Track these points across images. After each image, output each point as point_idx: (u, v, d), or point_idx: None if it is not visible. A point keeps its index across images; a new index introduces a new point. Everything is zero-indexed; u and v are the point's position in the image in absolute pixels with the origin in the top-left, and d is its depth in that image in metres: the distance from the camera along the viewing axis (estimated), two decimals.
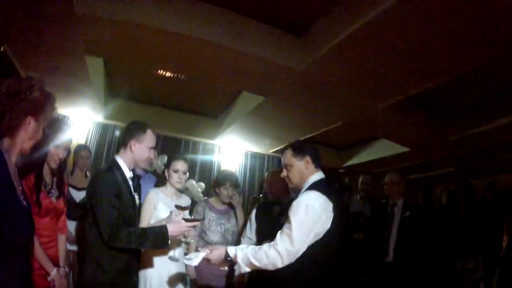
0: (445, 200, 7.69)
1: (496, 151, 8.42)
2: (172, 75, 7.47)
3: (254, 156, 11.14)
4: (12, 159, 2.16)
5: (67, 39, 5.61)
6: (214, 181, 5.47)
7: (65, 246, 3.77)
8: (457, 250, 6.74)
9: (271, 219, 4.56)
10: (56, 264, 3.37)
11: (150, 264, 4.22)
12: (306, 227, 2.99)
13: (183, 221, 3.51)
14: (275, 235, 3.20)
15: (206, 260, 3.24)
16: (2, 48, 6.09)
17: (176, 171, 4.44)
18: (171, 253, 4.27)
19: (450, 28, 4.34)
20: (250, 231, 4.81)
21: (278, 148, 10.27)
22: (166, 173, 4.53)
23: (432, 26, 4.35)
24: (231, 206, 5.34)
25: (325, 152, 10.38)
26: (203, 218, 4.26)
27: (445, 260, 6.69)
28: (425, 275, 5.70)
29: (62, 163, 3.60)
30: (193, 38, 5.23)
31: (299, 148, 3.43)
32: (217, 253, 3.21)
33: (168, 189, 4.52)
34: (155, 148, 3.89)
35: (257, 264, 3.00)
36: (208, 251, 3.25)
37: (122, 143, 3.58)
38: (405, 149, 8.93)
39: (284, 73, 5.80)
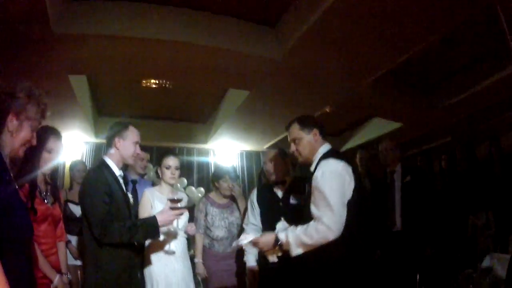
0: (444, 164, 7.68)
1: (489, 113, 8.33)
2: (156, 85, 7.47)
3: (250, 154, 11.16)
4: (6, 160, 2.21)
5: (48, 59, 5.61)
6: (213, 176, 5.52)
7: (65, 253, 3.80)
8: (465, 208, 6.70)
9: (276, 200, 4.55)
10: (58, 272, 3.37)
11: (153, 265, 4.24)
12: (338, 191, 3.07)
13: (169, 210, 3.55)
14: (287, 216, 3.55)
15: (254, 243, 3.34)
16: None
17: (168, 168, 4.45)
18: (166, 247, 4.25)
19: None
20: (254, 217, 4.72)
21: (272, 142, 10.29)
22: (158, 171, 4.55)
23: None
24: (232, 199, 5.38)
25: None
26: (192, 206, 4.20)
27: (454, 220, 6.65)
28: (437, 241, 5.59)
29: (55, 170, 3.64)
30: (171, 41, 5.27)
31: (305, 121, 3.51)
32: (266, 238, 3.29)
33: (163, 187, 4.53)
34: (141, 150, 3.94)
35: (309, 242, 3.02)
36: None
37: (107, 144, 3.67)
38: (398, 125, 8.92)
39: (263, 64, 5.83)
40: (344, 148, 10.68)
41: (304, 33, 4.97)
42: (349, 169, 3.19)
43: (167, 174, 4.46)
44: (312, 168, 3.37)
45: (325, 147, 3.45)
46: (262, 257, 4.18)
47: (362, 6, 4.50)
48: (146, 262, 4.27)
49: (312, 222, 3.06)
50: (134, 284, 3.49)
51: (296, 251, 3.10)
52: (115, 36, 5.10)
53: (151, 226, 3.40)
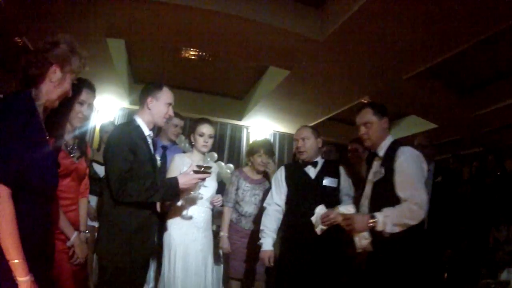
0: (474, 170, 7.50)
1: None
2: (196, 56, 7.44)
3: (282, 136, 11.05)
4: (40, 110, 2.23)
5: (86, 21, 5.60)
6: (248, 150, 5.32)
7: (86, 210, 3.61)
8: (488, 219, 6.53)
9: (308, 181, 4.33)
10: (76, 229, 3.22)
11: (173, 232, 4.14)
12: (422, 175, 3.32)
13: (192, 172, 3.43)
14: (321, 198, 3.68)
15: (345, 220, 3.30)
16: (21, 41, 6.13)
17: (201, 135, 4.24)
18: (184, 212, 4.13)
19: None
20: (279, 197, 4.42)
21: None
22: (192, 138, 4.35)
23: None
24: (266, 176, 5.22)
25: (351, 131, 10.09)
26: (209, 167, 3.99)
27: (477, 228, 6.49)
28: (458, 246, 5.58)
29: (85, 124, 3.42)
30: (215, 12, 5.21)
31: (379, 108, 3.60)
32: (361, 217, 3.26)
33: (194, 155, 4.33)
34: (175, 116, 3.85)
35: (406, 221, 3.10)
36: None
37: (139, 103, 3.56)
38: (433, 126, 8.77)
39: (306, 44, 5.73)
40: None
41: (352, 14, 4.84)
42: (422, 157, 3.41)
43: (200, 141, 4.25)
44: (381, 153, 3.48)
45: (391, 137, 3.56)
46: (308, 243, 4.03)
47: None
48: (166, 227, 4.18)
49: (405, 203, 3.15)
50: (148, 246, 3.40)
51: (393, 229, 3.12)
52: (158, 1, 5.03)
53: (172, 187, 3.30)
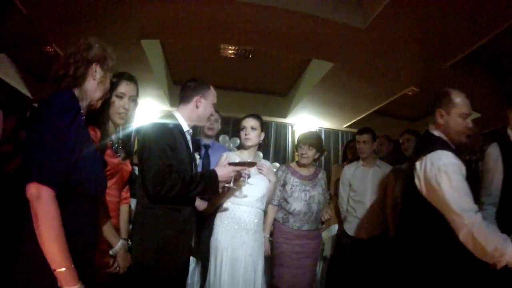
0: None
1: None
2: (235, 55, 7.36)
3: (328, 132, 10.89)
4: (84, 110, 2.21)
5: (120, 25, 5.57)
6: (296, 144, 5.10)
7: (127, 217, 3.41)
8: None
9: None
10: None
11: (220, 236, 3.96)
12: None
13: (229, 165, 3.34)
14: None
15: None
16: (52, 49, 6.12)
17: (242, 129, 4.14)
18: (237, 192, 3.95)
19: None
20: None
21: (352, 122, 10.03)
22: (240, 136, 4.26)
23: None
24: (317, 172, 4.99)
25: (397, 125, 10.02)
26: (252, 163, 3.81)
27: None
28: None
29: (129, 122, 3.25)
30: (253, 4, 5.05)
31: None
32: None
33: (243, 153, 4.18)
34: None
35: None
36: None
37: (183, 99, 3.45)
38: (477, 115, 8.35)
39: (348, 33, 5.55)
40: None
41: (387, 3, 4.67)
42: None
43: (241, 135, 4.14)
44: None
45: None
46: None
47: None
48: (213, 231, 4.02)
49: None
50: (186, 250, 3.28)
51: None
52: None
53: (211, 179, 3.21)
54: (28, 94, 8.33)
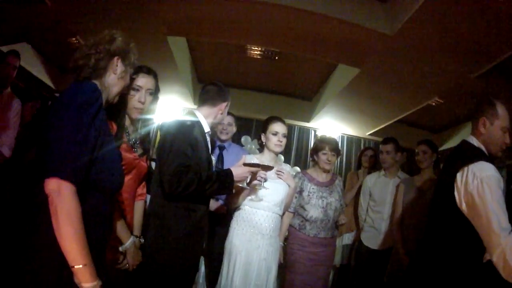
0: None
1: None
2: (261, 56, 7.34)
3: (350, 140, 10.86)
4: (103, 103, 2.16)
5: (146, 21, 5.58)
6: (312, 148, 4.96)
7: (142, 214, 3.30)
8: None
9: None
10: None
11: (236, 238, 3.91)
12: None
13: (244, 166, 3.32)
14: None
15: None
16: (76, 41, 6.14)
17: (275, 134, 4.00)
18: (253, 196, 3.89)
19: None
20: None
21: (374, 130, 9.98)
22: (262, 138, 4.14)
23: None
24: (334, 178, 4.89)
25: (420, 135, 9.77)
26: (268, 167, 3.76)
27: None
28: None
29: (148, 118, 3.15)
30: (282, 6, 5.02)
31: None
32: None
33: (265, 156, 4.10)
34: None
35: None
36: None
37: (207, 101, 3.45)
38: None
39: (376, 39, 5.50)
40: (444, 147, 9.95)
41: (416, 10, 4.60)
42: None
43: (273, 140, 4.01)
44: None
45: None
46: None
47: None
48: (229, 234, 3.97)
49: None
50: (198, 250, 3.28)
51: None
52: None
53: (227, 178, 3.19)
54: (51, 84, 8.40)
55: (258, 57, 7.37)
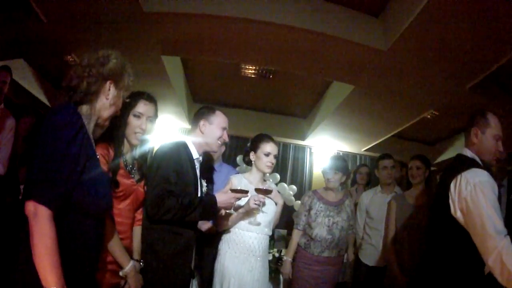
0: None
1: None
2: (256, 75, 7.36)
3: (346, 156, 10.77)
4: (91, 127, 2.16)
5: (141, 40, 5.59)
6: (323, 169, 4.99)
7: (140, 239, 3.22)
8: None
9: None
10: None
11: (228, 262, 3.85)
12: None
13: (230, 191, 3.32)
14: None
15: None
16: (73, 59, 6.16)
17: (267, 154, 3.94)
18: (251, 219, 3.85)
19: None
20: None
21: (370, 145, 9.99)
22: (251, 156, 4.06)
23: None
24: (344, 198, 4.90)
25: (416, 149, 9.84)
26: (267, 191, 3.73)
27: None
28: None
29: (146, 142, 3.12)
30: (273, 24, 5.03)
31: None
32: None
33: (253, 175, 4.05)
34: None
35: None
36: None
37: (192, 125, 3.53)
38: None
39: (370, 55, 5.50)
40: (439, 159, 10.09)
41: (409, 24, 4.62)
42: None
43: (264, 161, 3.93)
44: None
45: None
46: None
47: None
48: (219, 256, 3.92)
49: None
50: (180, 274, 3.20)
51: None
52: (212, 15, 4.89)
53: (210, 205, 3.19)
54: (46, 101, 8.37)
55: (252, 76, 7.39)
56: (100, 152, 2.50)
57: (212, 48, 5.97)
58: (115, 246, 2.70)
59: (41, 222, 1.75)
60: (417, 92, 6.66)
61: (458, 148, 9.34)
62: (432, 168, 5.13)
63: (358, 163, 10.50)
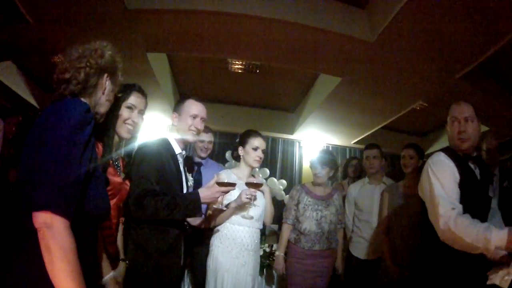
0: None
1: None
2: (243, 70, 7.37)
3: (335, 149, 10.83)
4: None
5: (125, 38, 5.57)
6: (310, 164, 5.03)
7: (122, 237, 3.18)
8: None
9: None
10: (116, 257, 2.92)
11: (221, 256, 3.88)
12: None
13: (216, 185, 3.24)
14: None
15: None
16: (60, 60, 6.12)
17: (255, 149, 4.02)
18: (244, 213, 3.87)
19: None
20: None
21: (359, 138, 10.03)
22: (240, 151, 4.13)
23: None
24: (332, 192, 4.95)
25: (406, 140, 9.83)
26: (257, 185, 3.75)
27: None
28: None
29: (134, 138, 3.03)
30: (258, 18, 5.03)
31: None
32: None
33: (241, 170, 4.12)
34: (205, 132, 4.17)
35: None
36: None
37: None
38: (484, 128, 8.23)
39: (357, 46, 5.51)
40: (430, 151, 9.98)
41: (396, 13, 4.62)
42: None
43: (253, 155, 4.02)
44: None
45: None
46: None
47: None
48: (212, 252, 3.95)
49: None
50: (170, 271, 3.20)
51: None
52: (196, 10, 4.89)
53: (192, 202, 3.11)
54: (35, 103, 8.33)
55: (240, 71, 7.38)
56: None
57: (198, 43, 5.94)
58: (99, 253, 2.61)
59: (61, 234, 1.58)
60: (405, 83, 6.68)
61: (444, 138, 9.52)
62: (424, 159, 5.12)
63: (347, 156, 10.54)
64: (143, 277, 2.98)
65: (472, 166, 3.12)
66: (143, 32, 5.44)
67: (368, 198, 5.30)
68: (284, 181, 9.44)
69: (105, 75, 2.09)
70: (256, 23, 5.12)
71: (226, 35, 5.60)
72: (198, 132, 3.53)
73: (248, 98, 9.26)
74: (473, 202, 2.88)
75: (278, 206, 7.76)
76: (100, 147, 2.56)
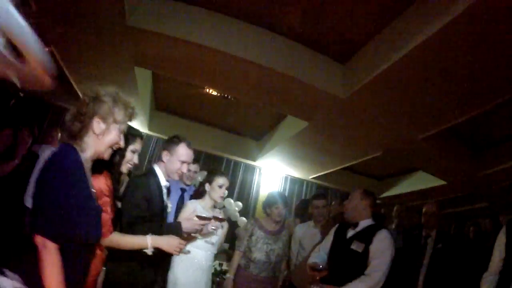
0: (472, 235, 7.48)
1: None
2: (218, 94, 7.59)
3: (294, 180, 11.14)
4: (87, 161, 2.35)
5: (118, 50, 5.79)
6: (265, 202, 5.43)
7: None
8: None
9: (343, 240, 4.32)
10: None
11: (179, 272, 4.31)
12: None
13: (195, 218, 3.71)
14: (345, 259, 4.03)
15: None
16: (50, 48, 6.31)
17: (221, 186, 4.49)
18: (207, 239, 4.39)
19: (492, 56, 4.22)
20: (324, 245, 4.52)
21: (318, 174, 10.26)
22: (207, 187, 4.54)
23: (474, 55, 4.25)
24: (282, 227, 5.40)
25: (364, 182, 10.41)
26: (222, 219, 4.23)
27: None
28: None
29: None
30: (240, 59, 5.33)
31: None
32: None
33: (206, 202, 4.53)
34: (192, 163, 4.27)
35: None
36: None
37: (160, 154, 3.75)
38: (441, 182, 8.70)
39: (328, 99, 5.80)
40: (385, 195, 10.47)
41: (378, 75, 4.88)
42: None
43: (218, 192, 4.51)
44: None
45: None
46: None
47: (438, 60, 4.44)
48: (173, 267, 4.35)
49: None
50: (144, 285, 3.45)
51: None
52: (186, 40, 5.18)
53: (175, 231, 3.51)
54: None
55: (215, 93, 7.63)
56: (105, 183, 2.84)
57: (181, 69, 6.23)
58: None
59: (51, 254, 2.01)
60: (369, 136, 7.02)
61: (402, 186, 10.02)
62: (378, 202, 5.48)
63: (304, 189, 10.96)
64: (122, 285, 3.26)
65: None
66: (135, 47, 5.65)
67: (311, 239, 5.63)
68: (240, 203, 9.69)
69: (95, 117, 2.33)
70: (235, 61, 5.39)
71: (206, 67, 5.88)
72: (182, 176, 4.03)
73: (218, 120, 9.49)
74: None
75: (231, 226, 7.97)
76: (109, 180, 2.95)
